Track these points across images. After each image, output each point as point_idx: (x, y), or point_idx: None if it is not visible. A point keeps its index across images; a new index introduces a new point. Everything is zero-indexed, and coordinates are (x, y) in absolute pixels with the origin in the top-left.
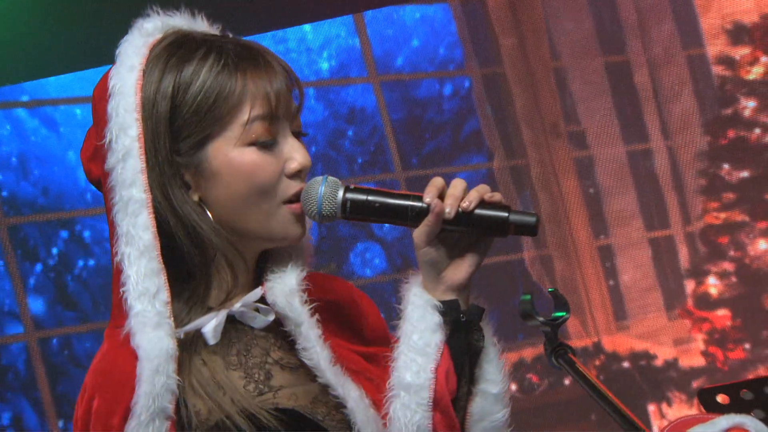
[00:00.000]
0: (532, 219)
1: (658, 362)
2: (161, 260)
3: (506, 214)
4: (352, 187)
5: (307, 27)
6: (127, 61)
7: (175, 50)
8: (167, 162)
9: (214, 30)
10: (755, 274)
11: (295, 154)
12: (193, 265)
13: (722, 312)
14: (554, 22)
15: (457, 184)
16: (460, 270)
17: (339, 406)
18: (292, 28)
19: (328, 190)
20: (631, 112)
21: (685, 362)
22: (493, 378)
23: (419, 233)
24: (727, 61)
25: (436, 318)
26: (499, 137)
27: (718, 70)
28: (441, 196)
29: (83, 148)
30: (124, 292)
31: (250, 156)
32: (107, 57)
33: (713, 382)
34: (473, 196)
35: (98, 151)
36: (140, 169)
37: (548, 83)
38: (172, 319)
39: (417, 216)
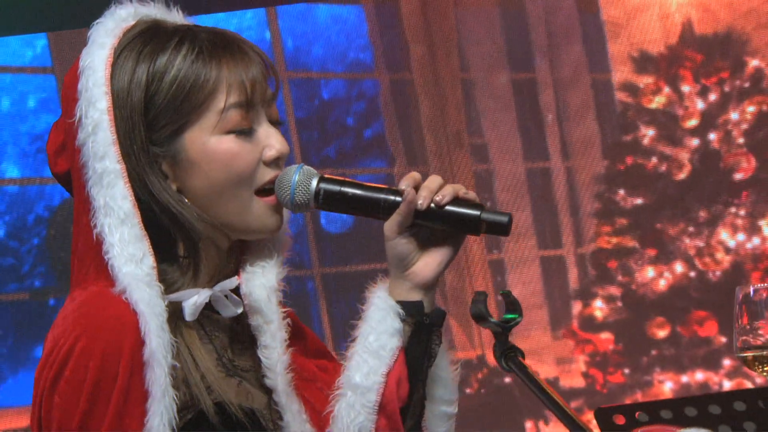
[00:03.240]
0: (504, 218)
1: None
2: (143, 227)
3: (478, 212)
4: (326, 177)
5: (221, 15)
6: (98, 40)
7: (148, 39)
8: (143, 152)
9: (187, 21)
10: (640, 300)
11: (272, 141)
12: (181, 248)
13: (605, 335)
14: (466, 34)
15: (434, 179)
16: (429, 267)
17: (277, 416)
18: (203, 16)
19: (301, 179)
20: (534, 131)
21: (565, 382)
22: (445, 397)
23: (390, 223)
24: (630, 89)
25: (397, 324)
26: (402, 143)
27: (621, 96)
28: (417, 188)
29: (49, 141)
30: (109, 259)
31: (228, 144)
32: (35, 23)
33: (591, 404)
34: (447, 191)
35: (66, 144)
36: (111, 141)
37: (455, 94)
38: (161, 284)
39: (389, 209)
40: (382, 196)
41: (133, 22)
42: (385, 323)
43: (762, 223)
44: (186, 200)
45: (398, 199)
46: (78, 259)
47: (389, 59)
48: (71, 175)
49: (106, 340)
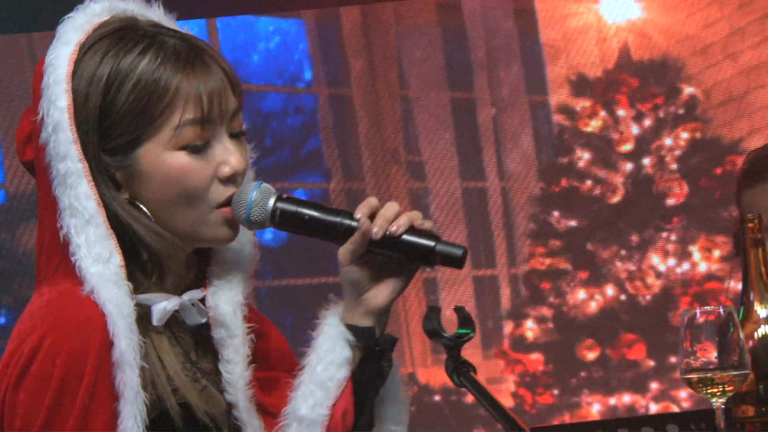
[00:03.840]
0: (459, 251)
1: (469, 399)
2: (109, 225)
3: (433, 244)
4: (284, 196)
5: None
6: (65, 36)
7: (115, 41)
8: (95, 159)
9: (168, 18)
10: (571, 322)
11: (229, 157)
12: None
13: (536, 356)
14: (406, 51)
15: (390, 207)
16: (382, 294)
17: (236, 429)
18: None
19: (259, 197)
20: (471, 150)
21: None
22: (395, 416)
23: (344, 251)
24: (567, 111)
25: (346, 352)
26: (339, 158)
27: (558, 118)
28: (373, 216)
29: (19, 128)
30: (76, 260)
31: (180, 160)
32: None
33: None
34: (403, 220)
35: (34, 132)
36: (72, 140)
37: (393, 111)
38: (130, 284)
39: (345, 233)
40: (339, 220)
41: (107, 17)
42: (334, 353)
43: (692, 248)
44: (136, 212)
45: (354, 224)
46: (44, 255)
47: (329, 74)
48: (35, 170)
49: (74, 338)
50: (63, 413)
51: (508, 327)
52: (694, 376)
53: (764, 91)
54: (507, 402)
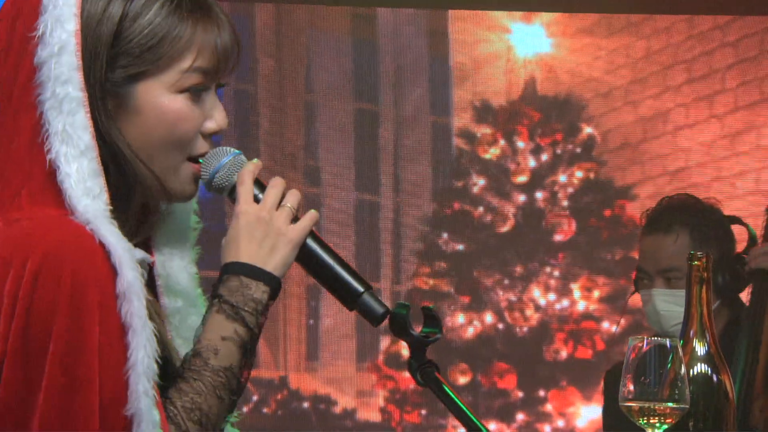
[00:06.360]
0: (380, 310)
1: (337, 409)
2: (100, 162)
3: (362, 290)
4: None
5: None
6: None
7: None
8: (100, 85)
9: None
10: (447, 345)
11: (216, 113)
12: (113, 191)
13: (408, 374)
14: (315, 56)
15: (294, 194)
16: None
17: None
18: None
19: (230, 164)
20: (368, 162)
21: (362, 414)
22: None
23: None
24: (468, 136)
25: None
26: None
27: (458, 142)
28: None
29: None
30: (66, 189)
31: (179, 104)
32: None
33: None
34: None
35: (9, 53)
36: (76, 67)
37: (296, 113)
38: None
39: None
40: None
41: None
42: None
43: (573, 286)
44: (130, 148)
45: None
46: (4, 179)
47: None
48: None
49: (75, 262)
50: (81, 349)
51: (384, 342)
52: (635, 404)
53: (659, 141)
54: (374, 416)
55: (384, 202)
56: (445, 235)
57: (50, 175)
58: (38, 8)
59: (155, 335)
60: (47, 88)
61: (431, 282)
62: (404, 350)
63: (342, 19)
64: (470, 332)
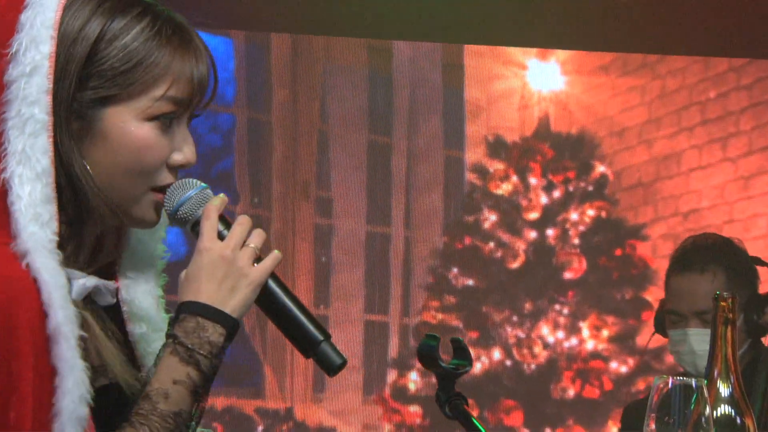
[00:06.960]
0: (338, 360)
1: None
2: (55, 188)
3: (321, 338)
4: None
5: None
6: None
7: None
8: (63, 108)
9: None
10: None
11: (184, 146)
12: (67, 217)
13: (414, 408)
14: (330, 87)
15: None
16: None
17: None
18: None
19: (195, 198)
20: (381, 194)
21: None
22: None
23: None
24: (480, 171)
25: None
26: (249, 183)
27: (471, 177)
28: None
29: None
30: (14, 211)
31: (147, 132)
32: None
33: None
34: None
35: None
36: (46, 90)
37: (310, 143)
38: (60, 252)
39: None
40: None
41: None
42: None
43: (582, 324)
44: (89, 174)
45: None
46: None
47: (251, 97)
48: None
49: (6, 302)
50: (11, 394)
51: (391, 375)
52: None
53: (672, 181)
54: None
55: (394, 234)
56: (455, 270)
57: (1, 194)
58: (15, 25)
59: (88, 375)
60: (13, 107)
61: (439, 316)
62: (412, 384)
63: (358, 50)
64: (478, 368)
